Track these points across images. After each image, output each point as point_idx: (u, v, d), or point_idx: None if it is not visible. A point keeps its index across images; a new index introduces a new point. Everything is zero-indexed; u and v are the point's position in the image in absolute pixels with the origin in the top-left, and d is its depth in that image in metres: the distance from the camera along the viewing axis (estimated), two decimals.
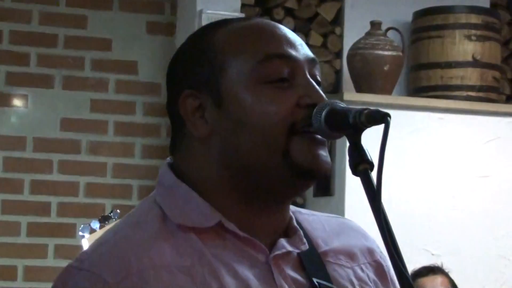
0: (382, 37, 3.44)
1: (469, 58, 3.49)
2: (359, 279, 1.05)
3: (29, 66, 3.39)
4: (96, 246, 0.97)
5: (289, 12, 3.61)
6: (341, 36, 3.69)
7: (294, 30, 3.52)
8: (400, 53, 3.46)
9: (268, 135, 0.94)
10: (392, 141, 3.35)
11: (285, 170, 0.94)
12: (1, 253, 3.22)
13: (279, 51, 0.93)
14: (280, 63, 0.93)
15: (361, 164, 0.94)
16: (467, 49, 3.50)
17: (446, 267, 3.10)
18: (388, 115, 0.93)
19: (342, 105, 0.94)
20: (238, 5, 3.49)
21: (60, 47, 3.42)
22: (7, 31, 3.34)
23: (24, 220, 3.21)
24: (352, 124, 0.93)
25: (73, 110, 3.36)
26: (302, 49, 0.96)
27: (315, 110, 0.93)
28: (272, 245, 0.97)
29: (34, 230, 3.31)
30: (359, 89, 3.44)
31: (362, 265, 1.09)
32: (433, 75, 3.54)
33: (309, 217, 1.07)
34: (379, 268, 1.11)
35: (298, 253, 0.99)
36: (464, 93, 3.50)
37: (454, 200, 3.46)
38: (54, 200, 3.31)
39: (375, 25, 3.45)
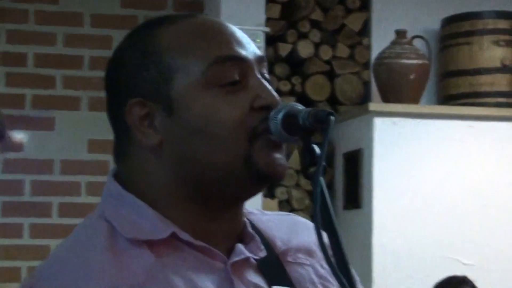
0: (407, 46, 3.45)
1: (498, 64, 3.48)
2: (320, 276, 1.03)
3: (55, 88, 3.45)
4: (44, 270, 0.92)
5: (315, 24, 3.62)
6: (368, 47, 3.69)
7: (321, 43, 3.57)
8: (426, 61, 3.46)
9: (228, 141, 0.91)
10: (421, 150, 3.25)
11: (245, 176, 0.92)
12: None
13: (230, 53, 0.90)
14: (232, 66, 0.90)
15: (312, 166, 0.92)
16: (495, 55, 3.49)
17: (473, 278, 3.05)
18: (331, 114, 0.89)
19: (299, 107, 0.92)
20: (263, 19, 3.48)
21: (85, 69, 3.52)
22: (32, 54, 3.44)
23: (53, 243, 3.24)
24: (303, 126, 0.91)
25: (100, 131, 3.39)
26: (250, 47, 0.94)
27: (271, 114, 0.91)
28: (229, 251, 0.94)
29: None
30: (386, 99, 3.46)
31: (321, 262, 1.06)
32: (462, 82, 3.54)
33: (262, 217, 1.04)
34: None
35: (256, 258, 0.97)
36: (494, 100, 3.49)
37: (486, 209, 3.45)
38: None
39: (400, 34, 3.46)
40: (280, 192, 3.39)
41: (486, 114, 3.45)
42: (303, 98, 3.57)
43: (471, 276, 3.06)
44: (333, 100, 3.67)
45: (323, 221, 0.90)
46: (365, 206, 3.39)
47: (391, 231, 3.41)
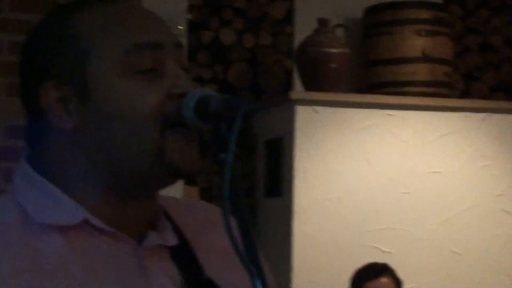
0: (329, 35, 3.49)
1: (419, 54, 3.55)
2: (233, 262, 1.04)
3: None
4: None
5: (238, 12, 3.62)
6: (291, 35, 3.71)
7: (244, 31, 3.55)
8: (348, 50, 3.50)
9: (141, 129, 0.91)
10: (342, 138, 3.32)
11: (157, 168, 0.92)
12: None
13: (148, 40, 0.90)
14: (150, 53, 0.90)
15: (221, 153, 0.91)
16: (417, 45, 3.55)
17: (394, 264, 3.13)
18: (243, 102, 0.89)
19: (213, 93, 0.92)
20: (185, 5, 3.48)
21: (4, 53, 3.48)
22: None
23: None
24: (215, 113, 0.90)
25: (18, 117, 3.37)
26: (169, 34, 0.94)
27: (185, 100, 0.91)
28: (142, 238, 0.95)
29: None
30: (308, 87, 3.48)
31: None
32: (384, 71, 3.60)
33: (176, 204, 1.05)
34: None
35: (168, 246, 0.98)
36: (415, 89, 3.56)
37: (405, 197, 3.53)
38: None
39: (322, 22, 3.48)
40: (201, 179, 3.43)
41: (407, 103, 3.50)
42: (225, 86, 3.63)
43: (390, 263, 3.15)
44: (255, 88, 3.70)
45: (233, 207, 0.89)
46: (285, 194, 3.42)
47: (311, 219, 3.45)
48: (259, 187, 3.74)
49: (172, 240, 0.97)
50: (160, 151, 0.91)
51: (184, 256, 1.01)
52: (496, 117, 3.69)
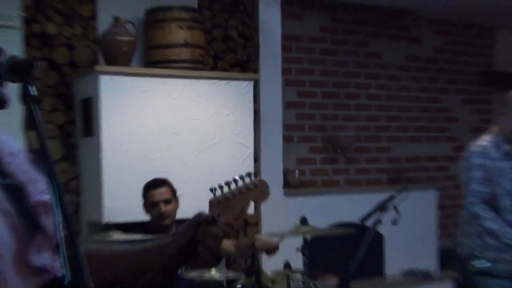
0: (122, 28, 4.10)
1: (182, 41, 4.19)
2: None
3: None
4: None
5: (58, 11, 4.11)
6: (95, 28, 4.25)
7: (62, 24, 3.98)
8: (134, 38, 4.13)
9: None
10: (132, 96, 4.22)
11: None
12: None
13: None
14: None
15: (24, 104, 1.01)
16: (180, 36, 4.18)
17: (170, 179, 3.71)
18: (31, 62, 0.98)
19: (6, 56, 1.01)
20: (20, 5, 3.85)
21: None
22: None
23: None
24: (8, 71, 1.00)
25: None
26: None
27: None
28: None
29: None
30: (108, 63, 4.09)
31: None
32: (158, 53, 4.24)
33: None
34: None
35: None
36: (179, 65, 4.21)
37: (177, 135, 4.15)
38: None
39: (117, 19, 4.10)
40: None
41: (174, 74, 4.12)
42: (51, 63, 4.09)
43: (168, 178, 3.71)
44: (73, 64, 4.17)
45: (39, 140, 0.97)
46: (95, 135, 3.95)
47: (115, 152, 3.96)
48: (78, 130, 4.20)
49: None
50: None
51: None
52: (233, 83, 4.39)
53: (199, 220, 1.42)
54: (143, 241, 2.27)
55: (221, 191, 1.51)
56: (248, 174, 1.51)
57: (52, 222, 1.06)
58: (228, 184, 1.51)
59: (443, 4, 5.56)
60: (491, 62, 6.59)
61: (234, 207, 1.49)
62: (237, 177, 1.51)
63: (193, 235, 1.40)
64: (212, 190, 1.50)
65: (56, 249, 1.03)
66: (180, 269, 1.39)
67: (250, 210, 4.40)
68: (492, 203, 3.66)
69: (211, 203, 1.49)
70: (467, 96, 6.48)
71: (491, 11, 5.76)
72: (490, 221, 3.58)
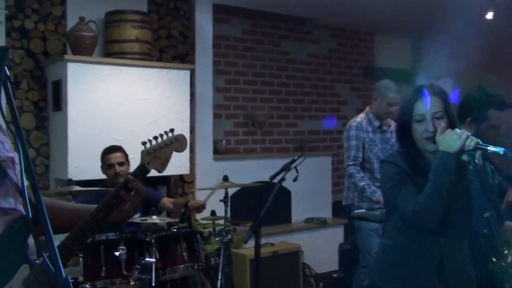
0: (85, 26, 4.03)
1: (134, 38, 4.14)
2: None
3: None
4: None
5: (35, 10, 4.02)
6: (65, 25, 4.18)
7: (38, 21, 3.87)
8: (95, 34, 4.04)
9: None
10: (94, 80, 4.09)
11: None
12: None
13: None
14: None
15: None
16: (132, 33, 4.12)
17: (123, 145, 3.60)
18: (5, 49, 0.88)
19: None
20: (3, 5, 3.77)
21: None
22: None
23: None
24: None
25: None
26: None
27: None
28: None
29: None
30: (74, 53, 4.02)
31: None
32: (116, 46, 4.16)
33: None
34: None
35: None
36: (132, 56, 4.15)
37: (129, 112, 4.07)
38: None
39: (82, 18, 4.05)
40: None
41: (128, 63, 4.07)
42: (29, 52, 3.99)
43: (122, 146, 3.58)
44: (46, 53, 4.07)
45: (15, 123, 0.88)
46: (63, 109, 3.87)
47: (80, 124, 3.85)
48: (49, 106, 4.11)
49: None
50: None
51: None
52: (174, 71, 4.29)
53: (124, 182, 1.42)
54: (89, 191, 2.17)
55: (150, 143, 1.47)
56: (171, 130, 1.46)
57: (16, 174, 1.05)
58: (155, 138, 1.47)
59: (336, 14, 5.61)
60: (371, 59, 6.66)
61: (161, 156, 1.46)
62: (162, 133, 1.47)
63: (115, 194, 1.40)
64: (143, 143, 1.46)
65: (19, 195, 1.02)
66: (108, 218, 1.30)
67: (186, 171, 4.38)
68: (365, 166, 3.84)
69: (142, 153, 1.46)
70: (354, 84, 6.52)
71: (371, 20, 5.80)
72: (360, 180, 3.67)
